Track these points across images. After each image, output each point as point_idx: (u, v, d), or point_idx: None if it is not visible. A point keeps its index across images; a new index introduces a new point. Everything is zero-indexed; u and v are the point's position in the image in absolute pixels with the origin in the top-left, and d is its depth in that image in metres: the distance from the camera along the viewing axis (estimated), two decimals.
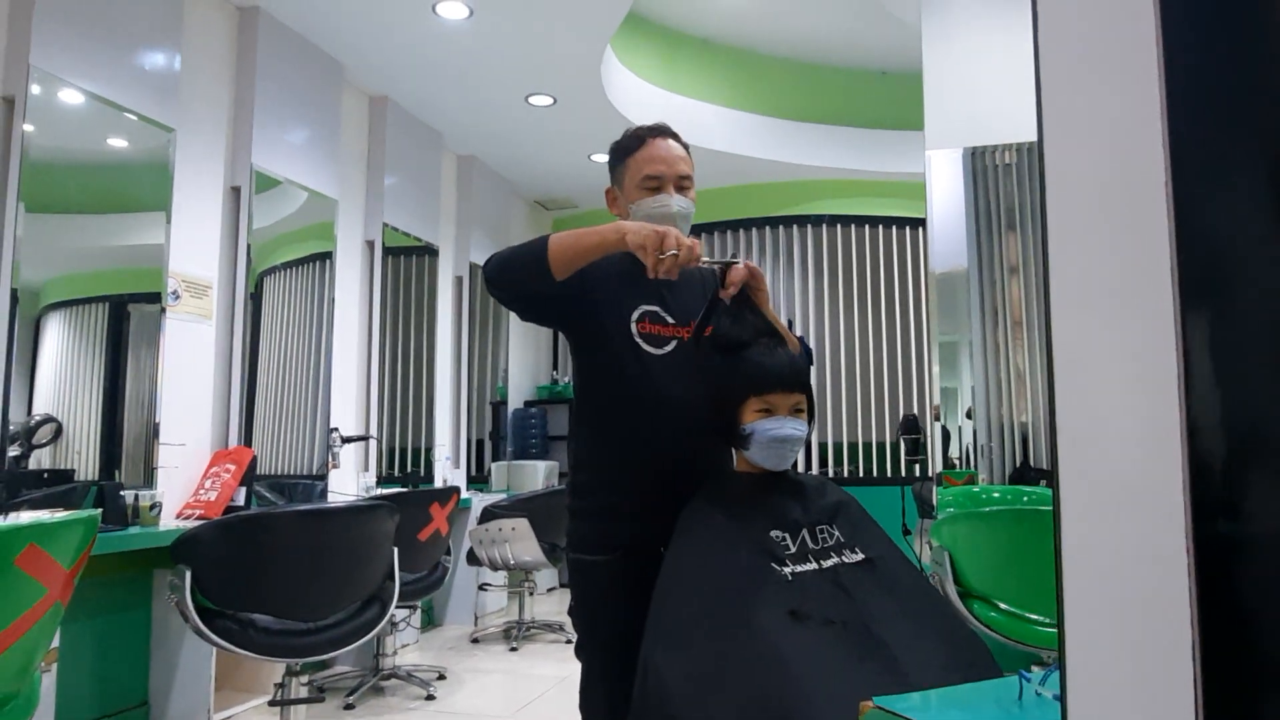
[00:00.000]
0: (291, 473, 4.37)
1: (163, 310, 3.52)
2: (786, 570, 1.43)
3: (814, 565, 1.46)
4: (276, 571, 2.73)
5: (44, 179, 3.13)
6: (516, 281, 1.68)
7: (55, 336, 3.23)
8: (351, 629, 2.89)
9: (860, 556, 1.51)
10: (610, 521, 1.73)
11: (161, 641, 3.28)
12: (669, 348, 1.76)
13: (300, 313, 4.41)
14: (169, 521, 3.39)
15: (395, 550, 3.10)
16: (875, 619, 1.37)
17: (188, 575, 2.66)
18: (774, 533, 1.49)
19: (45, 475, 3.13)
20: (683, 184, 1.81)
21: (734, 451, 1.68)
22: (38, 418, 3.11)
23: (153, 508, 3.22)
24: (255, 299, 4.07)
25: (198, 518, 3.48)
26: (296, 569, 2.75)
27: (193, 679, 3.25)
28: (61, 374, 3.25)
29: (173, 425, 3.57)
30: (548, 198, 7.10)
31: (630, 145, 1.84)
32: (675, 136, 1.86)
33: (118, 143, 3.44)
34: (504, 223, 6.55)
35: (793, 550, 1.47)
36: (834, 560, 1.48)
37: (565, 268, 1.59)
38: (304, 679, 2.90)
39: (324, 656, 2.83)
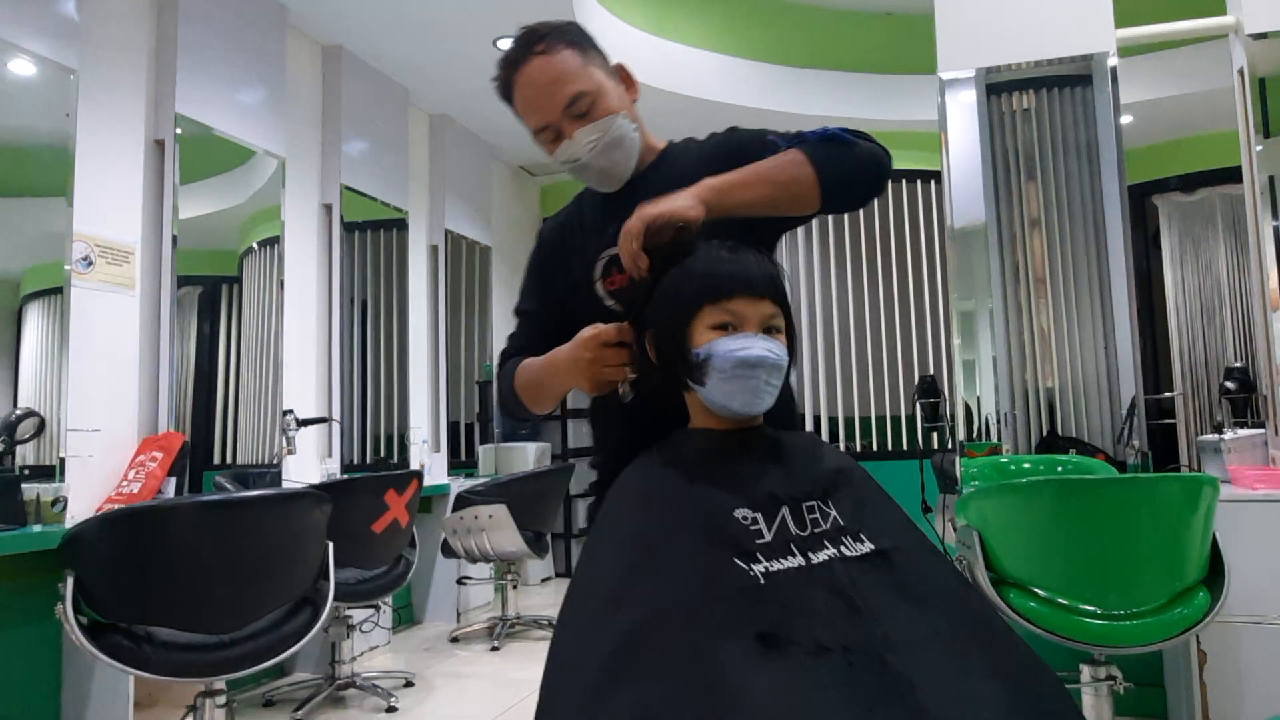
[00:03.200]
0: (255, 461, 3.98)
1: (63, 281, 3.07)
2: (758, 569, 0.97)
3: (799, 560, 0.99)
4: (178, 575, 2.29)
5: None
6: (527, 421, 1.40)
7: (35, 327, 3.04)
8: (276, 639, 2.45)
9: (868, 547, 1.03)
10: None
11: (74, 656, 2.85)
12: None
13: (252, 283, 3.97)
14: (86, 517, 2.96)
15: (330, 545, 2.66)
16: (894, 645, 0.91)
17: (69, 581, 2.23)
18: (740, 512, 1.02)
19: None
20: (576, 109, 1.27)
21: (687, 400, 1.21)
22: (19, 412, 2.88)
23: (55, 503, 2.79)
24: (216, 278, 3.64)
25: None
26: (203, 571, 2.30)
27: (109, 698, 2.82)
28: (42, 366, 3.03)
29: (87, 409, 3.13)
30: (532, 162, 6.61)
31: (501, 81, 1.33)
32: (551, 42, 1.27)
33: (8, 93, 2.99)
34: (484, 189, 6.06)
35: (768, 538, 1.01)
36: (828, 553, 1.01)
37: (546, 407, 1.40)
38: (219, 700, 2.46)
39: (242, 673, 2.39)
